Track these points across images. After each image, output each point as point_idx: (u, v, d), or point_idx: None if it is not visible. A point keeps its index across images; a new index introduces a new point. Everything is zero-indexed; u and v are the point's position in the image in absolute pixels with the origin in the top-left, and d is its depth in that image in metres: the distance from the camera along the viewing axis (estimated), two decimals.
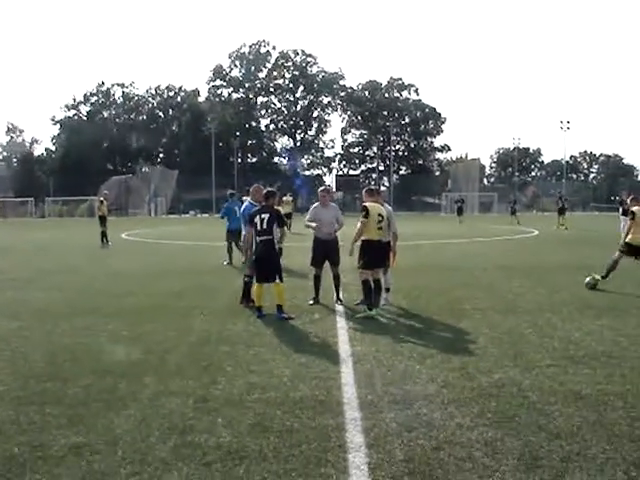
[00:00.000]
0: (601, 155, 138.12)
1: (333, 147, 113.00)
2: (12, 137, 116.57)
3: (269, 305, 10.77)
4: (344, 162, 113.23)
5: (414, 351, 8.14)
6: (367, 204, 10.84)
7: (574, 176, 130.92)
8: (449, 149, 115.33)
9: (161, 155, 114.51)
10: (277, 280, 10.59)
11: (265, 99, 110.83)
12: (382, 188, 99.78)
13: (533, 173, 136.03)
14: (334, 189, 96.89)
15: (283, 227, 11.09)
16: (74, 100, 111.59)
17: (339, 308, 11.37)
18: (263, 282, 10.71)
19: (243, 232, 12.22)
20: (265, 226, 10.55)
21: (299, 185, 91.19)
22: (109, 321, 10.35)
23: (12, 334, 9.46)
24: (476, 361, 7.61)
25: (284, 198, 31.64)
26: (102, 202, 28.70)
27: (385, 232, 10.95)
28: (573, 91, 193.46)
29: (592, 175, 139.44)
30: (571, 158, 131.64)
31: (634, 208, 13.50)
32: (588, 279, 13.29)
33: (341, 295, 11.95)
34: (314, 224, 11.79)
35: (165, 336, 9.18)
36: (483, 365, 7.43)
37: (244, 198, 19.40)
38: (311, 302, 11.69)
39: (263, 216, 10.62)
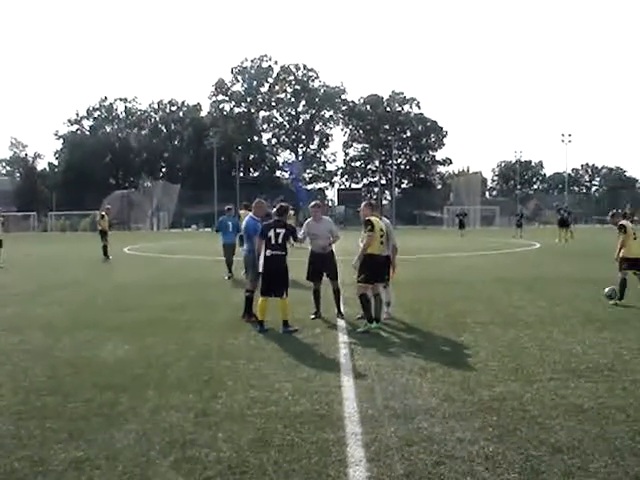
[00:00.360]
0: (603, 167, 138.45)
1: (335, 161, 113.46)
2: (15, 152, 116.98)
3: (270, 320, 10.76)
4: (346, 176, 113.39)
5: (415, 365, 8.13)
6: (372, 218, 10.87)
7: (576, 189, 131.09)
8: (451, 162, 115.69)
9: (163, 169, 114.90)
10: (284, 295, 10.62)
11: (267, 113, 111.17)
12: (384, 202, 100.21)
13: (535, 186, 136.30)
14: (336, 203, 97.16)
15: (296, 241, 11.25)
16: (77, 115, 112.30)
17: (340, 322, 11.35)
18: (268, 296, 10.72)
19: (244, 247, 12.18)
20: (280, 241, 10.60)
21: (299, 192, 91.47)
22: (110, 335, 10.35)
23: (13, 348, 9.46)
24: (477, 375, 7.61)
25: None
26: (103, 217, 28.64)
27: (385, 246, 10.98)
28: (574, 104, 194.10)
29: (594, 188, 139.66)
30: (573, 171, 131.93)
31: (623, 221, 13.52)
32: (607, 289, 13.23)
33: (342, 309, 11.94)
34: (296, 243, 11.80)
35: (166, 350, 9.19)
36: (484, 379, 7.42)
37: (241, 212, 19.80)
38: (312, 316, 11.70)
39: (279, 231, 10.63)
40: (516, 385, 7.16)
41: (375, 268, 10.69)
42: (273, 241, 10.58)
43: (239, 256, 17.45)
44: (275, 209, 11.27)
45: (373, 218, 10.88)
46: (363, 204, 11.48)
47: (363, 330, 10.45)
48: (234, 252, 19.34)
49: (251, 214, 12.09)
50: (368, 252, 10.66)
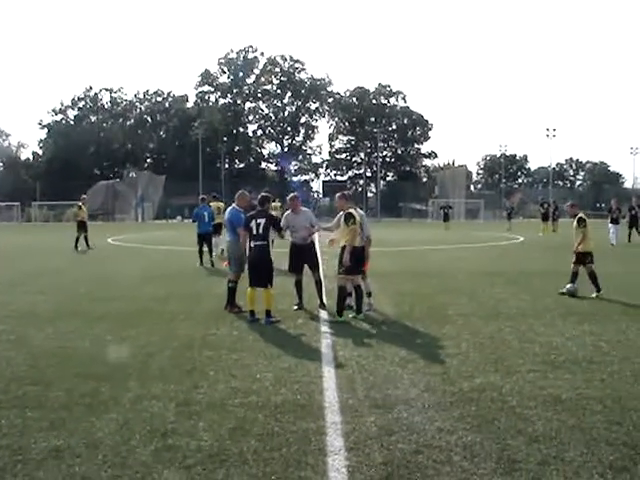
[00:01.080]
0: (587, 162, 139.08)
1: (320, 153, 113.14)
2: None
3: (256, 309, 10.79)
4: (331, 168, 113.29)
5: (396, 356, 8.19)
6: (352, 211, 10.93)
7: (560, 183, 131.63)
8: (436, 156, 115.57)
9: (148, 160, 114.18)
10: (268, 286, 10.64)
11: (253, 105, 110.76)
12: (369, 194, 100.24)
13: (520, 180, 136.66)
14: (321, 195, 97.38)
15: (280, 232, 11.27)
16: (62, 104, 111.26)
17: (322, 313, 11.39)
18: (255, 286, 10.74)
19: (227, 237, 12.17)
20: (261, 231, 10.64)
21: (291, 183, 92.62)
22: (93, 325, 10.36)
23: None
24: (457, 366, 7.68)
25: (272, 204, 31.75)
26: (80, 207, 28.37)
27: (360, 237, 11.06)
28: (559, 99, 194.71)
29: (578, 182, 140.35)
30: (557, 165, 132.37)
31: (581, 214, 13.61)
32: (569, 287, 13.32)
33: (324, 300, 11.97)
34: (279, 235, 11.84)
35: (149, 341, 9.20)
36: (464, 370, 7.49)
37: (211, 204, 20.75)
38: (295, 307, 11.75)
39: (259, 221, 10.68)
40: (496, 376, 7.23)
41: (355, 259, 10.77)
42: (255, 231, 10.65)
43: (220, 245, 17.51)
44: (257, 199, 11.33)
45: (353, 210, 10.95)
46: (337, 195, 11.52)
47: (341, 320, 10.57)
48: (210, 242, 20.45)
49: (234, 205, 12.07)
50: (350, 244, 10.74)
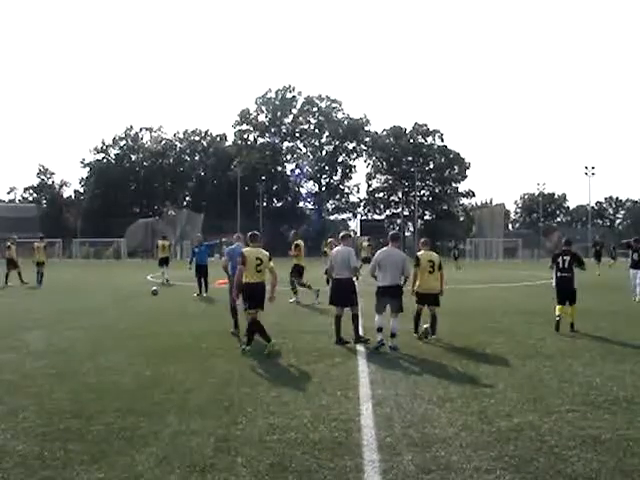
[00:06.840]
0: (627, 200, 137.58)
1: (358, 192, 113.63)
2: (42, 179, 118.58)
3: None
4: (369, 207, 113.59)
5: (434, 395, 8.16)
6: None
7: (600, 221, 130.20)
8: (473, 194, 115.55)
9: (187, 198, 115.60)
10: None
11: (291, 144, 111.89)
12: (407, 233, 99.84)
13: (558, 219, 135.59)
14: (359, 234, 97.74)
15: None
16: (103, 143, 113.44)
17: (360, 350, 11.40)
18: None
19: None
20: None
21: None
22: (132, 361, 10.48)
23: (38, 372, 9.61)
24: (495, 405, 7.63)
25: (364, 244, 33.61)
26: (9, 247, 29.21)
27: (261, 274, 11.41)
28: (598, 136, 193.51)
29: (618, 221, 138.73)
30: (596, 204, 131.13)
31: (418, 253, 13.24)
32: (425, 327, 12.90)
33: (363, 335, 12.05)
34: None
35: (187, 376, 9.28)
36: (502, 409, 7.43)
37: (159, 242, 25.72)
38: (336, 343, 11.86)
39: None
40: (534, 416, 7.16)
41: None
42: None
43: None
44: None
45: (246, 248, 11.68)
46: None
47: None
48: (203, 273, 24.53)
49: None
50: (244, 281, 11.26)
